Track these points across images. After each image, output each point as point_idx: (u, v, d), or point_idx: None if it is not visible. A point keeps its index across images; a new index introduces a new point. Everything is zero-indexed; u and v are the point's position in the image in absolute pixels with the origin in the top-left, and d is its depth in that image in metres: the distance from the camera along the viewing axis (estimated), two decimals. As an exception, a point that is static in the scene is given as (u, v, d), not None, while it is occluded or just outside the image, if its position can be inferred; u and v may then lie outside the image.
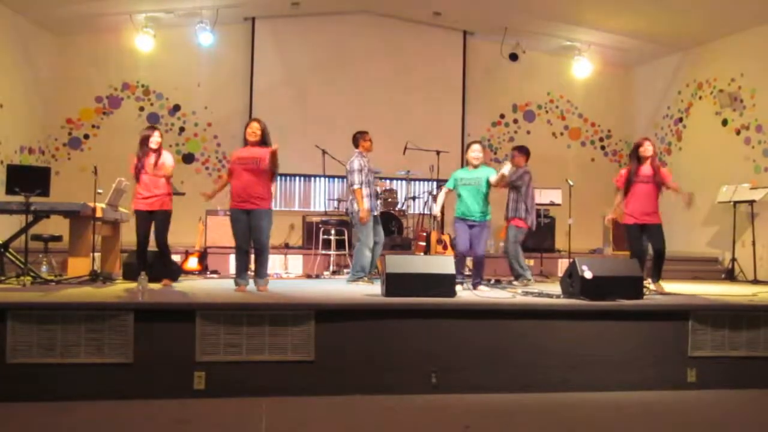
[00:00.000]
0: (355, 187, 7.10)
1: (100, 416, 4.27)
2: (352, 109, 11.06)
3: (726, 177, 9.46)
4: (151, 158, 6.28)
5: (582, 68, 11.39)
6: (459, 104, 11.73)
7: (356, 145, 7.35)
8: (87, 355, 4.55)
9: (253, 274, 6.18)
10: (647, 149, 6.52)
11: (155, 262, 6.43)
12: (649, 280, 6.44)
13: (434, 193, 9.63)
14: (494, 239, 9.60)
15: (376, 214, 7.28)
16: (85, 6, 9.57)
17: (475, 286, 6.44)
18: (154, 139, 6.30)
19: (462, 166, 6.68)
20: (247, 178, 5.93)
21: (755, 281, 8.65)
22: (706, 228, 10.24)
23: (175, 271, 6.89)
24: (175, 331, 4.67)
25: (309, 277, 8.44)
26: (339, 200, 10.16)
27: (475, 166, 6.50)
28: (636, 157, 6.57)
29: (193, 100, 10.99)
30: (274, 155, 5.89)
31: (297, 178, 11.27)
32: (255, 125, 6.07)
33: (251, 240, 6.01)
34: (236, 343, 4.70)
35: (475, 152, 6.49)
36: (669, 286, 6.64)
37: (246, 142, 6.05)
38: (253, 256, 6.14)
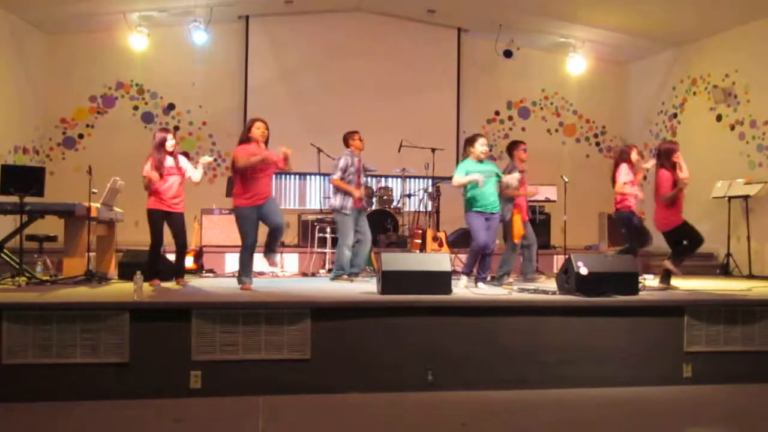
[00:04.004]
0: (334, 177, 7.21)
1: (96, 416, 4.26)
2: (346, 107, 11.05)
3: (720, 172, 9.48)
4: (168, 160, 6.31)
5: (576, 65, 11.41)
6: (454, 101, 11.74)
7: (346, 144, 7.40)
8: (83, 355, 4.53)
9: (264, 248, 6.29)
10: (680, 155, 6.54)
11: (161, 262, 6.54)
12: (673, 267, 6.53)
13: (429, 190, 9.63)
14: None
15: (348, 213, 7.22)
16: (79, 5, 9.54)
17: (484, 280, 6.46)
18: (170, 143, 6.34)
19: (460, 161, 6.62)
20: (267, 179, 6.15)
21: (750, 276, 8.69)
22: (701, 223, 10.08)
23: (171, 270, 6.92)
24: (171, 330, 4.66)
25: (305, 275, 8.44)
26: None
27: (481, 160, 6.50)
28: (671, 165, 6.53)
29: (187, 98, 10.97)
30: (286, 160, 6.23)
31: (292, 176, 11.25)
32: (263, 125, 6.16)
33: (275, 225, 6.16)
34: (232, 341, 4.69)
35: (485, 146, 6.50)
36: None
37: (249, 140, 6.10)
38: (269, 233, 6.23)
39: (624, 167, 6.89)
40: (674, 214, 6.52)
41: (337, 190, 7.21)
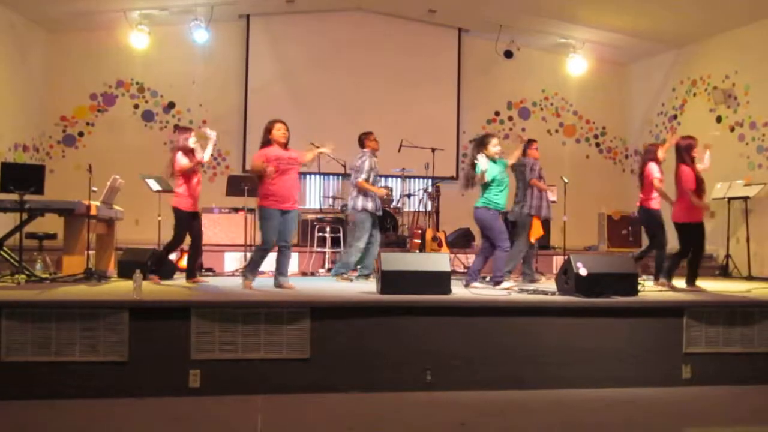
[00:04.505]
0: (360, 179, 7.16)
1: (94, 415, 4.26)
2: (346, 106, 11.07)
3: (720, 174, 9.46)
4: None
5: (577, 65, 11.41)
6: (454, 101, 11.74)
7: (362, 145, 7.41)
8: (82, 353, 4.53)
9: (275, 272, 6.22)
10: (698, 150, 6.59)
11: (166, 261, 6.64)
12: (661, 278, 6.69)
13: (429, 190, 9.64)
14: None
15: (371, 212, 7.24)
16: (79, 3, 9.54)
17: (480, 279, 6.47)
18: (192, 141, 6.38)
19: (470, 163, 6.58)
20: (292, 180, 6.06)
21: (749, 277, 8.69)
22: (701, 225, 10.24)
23: (171, 270, 6.94)
24: (170, 329, 4.66)
25: (304, 274, 8.44)
26: (334, 198, 10.15)
27: (495, 160, 6.51)
28: (691, 159, 6.57)
29: (187, 97, 10.97)
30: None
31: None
32: (283, 127, 6.10)
33: (283, 242, 6.08)
34: (231, 340, 4.69)
35: (497, 146, 6.51)
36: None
37: (270, 143, 6.04)
38: (278, 255, 6.16)
39: (654, 165, 6.93)
40: (698, 209, 6.57)
41: (359, 191, 7.20)
